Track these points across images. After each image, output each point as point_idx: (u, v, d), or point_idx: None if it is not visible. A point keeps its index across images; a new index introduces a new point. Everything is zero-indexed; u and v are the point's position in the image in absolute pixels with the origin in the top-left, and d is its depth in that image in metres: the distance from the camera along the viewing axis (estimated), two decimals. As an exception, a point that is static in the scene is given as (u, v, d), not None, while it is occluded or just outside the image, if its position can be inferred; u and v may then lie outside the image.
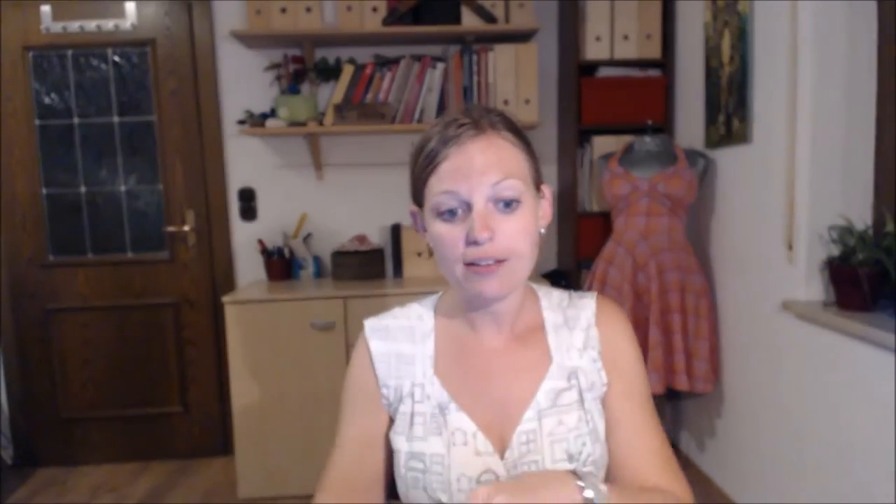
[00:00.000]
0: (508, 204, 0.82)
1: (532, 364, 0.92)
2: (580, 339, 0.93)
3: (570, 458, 0.87)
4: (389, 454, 0.94)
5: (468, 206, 0.82)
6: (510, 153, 0.85)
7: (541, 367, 0.92)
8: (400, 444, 0.91)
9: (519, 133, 0.88)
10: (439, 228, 0.84)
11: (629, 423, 0.91)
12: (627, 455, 0.90)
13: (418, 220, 0.92)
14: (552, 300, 0.98)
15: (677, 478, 0.90)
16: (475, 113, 0.86)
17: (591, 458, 0.87)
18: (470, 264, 0.83)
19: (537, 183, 0.89)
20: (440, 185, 0.83)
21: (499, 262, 0.82)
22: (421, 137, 0.88)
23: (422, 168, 0.86)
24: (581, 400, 0.90)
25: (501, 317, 0.93)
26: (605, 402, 0.92)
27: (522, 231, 0.83)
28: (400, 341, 0.96)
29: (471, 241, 0.81)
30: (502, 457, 0.88)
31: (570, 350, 0.93)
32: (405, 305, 1.01)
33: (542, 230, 0.91)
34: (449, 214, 0.83)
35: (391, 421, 0.95)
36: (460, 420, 0.89)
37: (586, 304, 0.96)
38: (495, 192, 0.82)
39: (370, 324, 0.98)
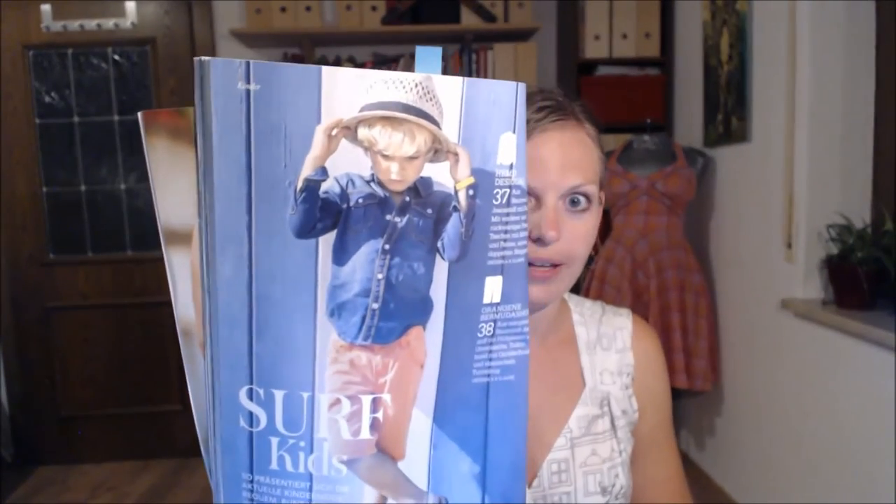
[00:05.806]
0: (576, 203, 0.74)
1: (563, 385, 0.85)
2: (614, 363, 0.87)
3: (604, 490, 0.83)
4: None
5: (536, 200, 0.72)
6: (591, 152, 0.77)
7: (573, 389, 0.85)
8: None
9: (598, 127, 0.79)
10: None
11: (658, 456, 0.89)
12: (651, 488, 0.89)
13: None
14: (584, 312, 0.90)
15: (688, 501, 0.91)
16: (557, 94, 0.76)
17: (622, 490, 0.84)
18: None
19: (601, 184, 0.81)
20: None
21: (555, 266, 0.73)
22: None
23: None
24: (613, 428, 0.85)
25: (534, 326, 0.80)
26: (635, 431, 0.88)
27: (586, 235, 0.75)
28: None
29: (535, 238, 0.71)
30: (529, 485, 0.81)
31: (604, 374, 0.87)
32: None
33: None
34: None
35: None
36: None
37: (623, 324, 0.90)
38: (568, 194, 0.74)
39: None
